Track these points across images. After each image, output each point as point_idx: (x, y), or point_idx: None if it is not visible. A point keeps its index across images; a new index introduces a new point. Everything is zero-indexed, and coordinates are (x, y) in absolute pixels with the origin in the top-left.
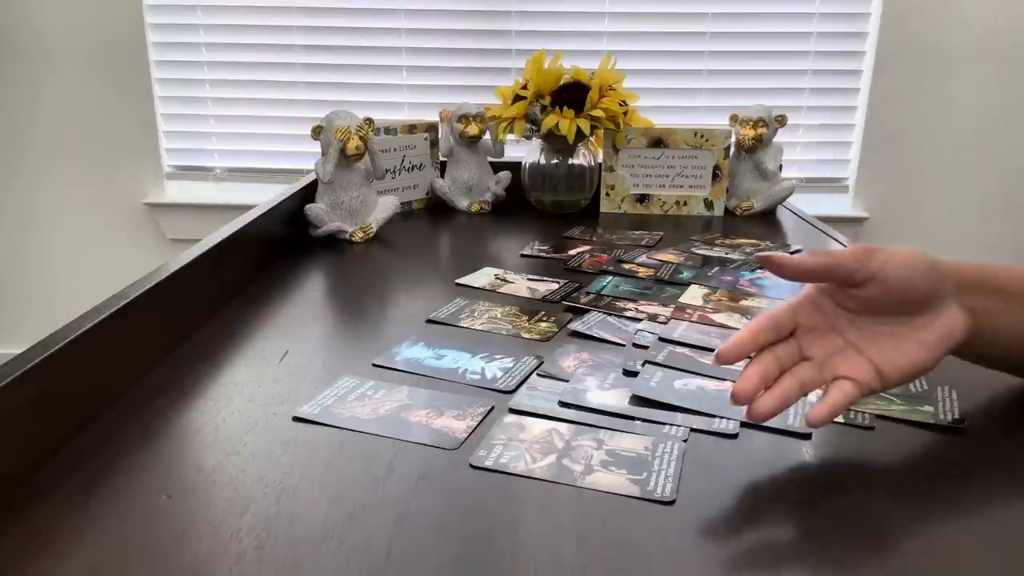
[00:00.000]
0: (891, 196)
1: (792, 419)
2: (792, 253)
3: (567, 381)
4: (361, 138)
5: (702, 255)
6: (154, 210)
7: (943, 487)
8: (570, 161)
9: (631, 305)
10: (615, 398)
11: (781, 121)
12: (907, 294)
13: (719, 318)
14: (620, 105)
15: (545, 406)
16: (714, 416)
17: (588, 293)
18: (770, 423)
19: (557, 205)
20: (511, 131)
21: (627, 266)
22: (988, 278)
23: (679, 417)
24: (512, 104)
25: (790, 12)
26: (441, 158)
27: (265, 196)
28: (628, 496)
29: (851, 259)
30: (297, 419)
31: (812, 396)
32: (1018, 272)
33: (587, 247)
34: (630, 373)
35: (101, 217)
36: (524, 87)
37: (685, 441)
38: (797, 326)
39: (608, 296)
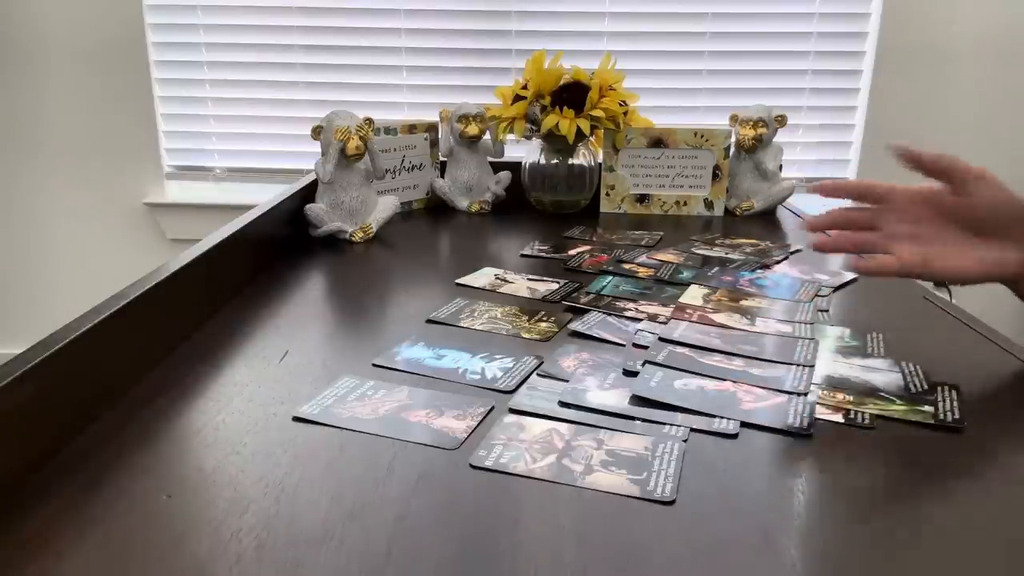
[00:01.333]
0: None
1: (792, 419)
2: (792, 253)
3: (567, 381)
4: (361, 138)
5: (702, 255)
6: (154, 210)
7: (943, 487)
8: (570, 161)
9: (631, 305)
10: (615, 398)
11: (781, 121)
12: (989, 216)
13: (719, 318)
14: (620, 105)
15: (545, 406)
16: (714, 416)
17: (588, 293)
18: (770, 423)
19: (557, 205)
20: (511, 131)
21: (627, 266)
22: None
23: (679, 417)
24: (512, 104)
25: (790, 12)
26: (441, 158)
27: (265, 196)
28: (628, 496)
29: (965, 168)
30: (297, 419)
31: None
32: None
33: (587, 247)
34: (630, 373)
35: (101, 217)
36: (524, 87)
37: (685, 441)
38: (889, 202)
39: (608, 296)
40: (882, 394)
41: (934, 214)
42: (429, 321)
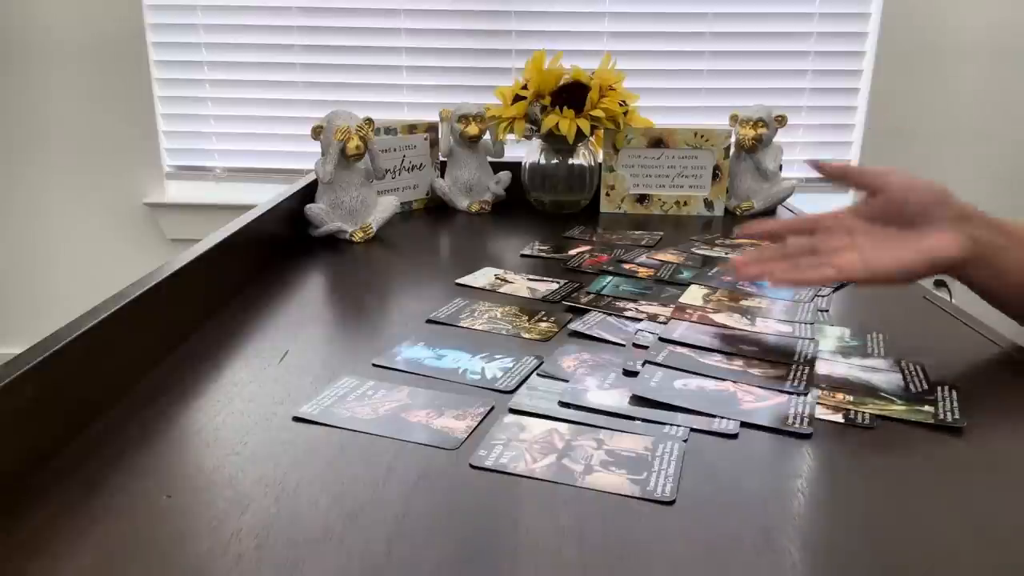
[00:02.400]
0: None
1: (792, 419)
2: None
3: (567, 381)
4: (361, 138)
5: (702, 255)
6: (154, 210)
7: (943, 487)
8: (570, 161)
9: (631, 305)
10: (615, 398)
11: (781, 121)
12: (909, 204)
13: (719, 318)
14: (620, 105)
15: (545, 406)
16: (714, 416)
17: (588, 293)
18: (770, 423)
19: (557, 205)
20: (511, 131)
21: (627, 266)
22: (997, 220)
23: (679, 417)
24: (512, 104)
25: (790, 12)
26: (441, 158)
27: (265, 196)
28: (628, 496)
29: (869, 169)
30: (297, 419)
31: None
32: None
33: (587, 247)
34: (630, 373)
35: (101, 217)
36: (524, 87)
37: (685, 441)
38: (818, 228)
39: (608, 296)
40: (882, 394)
41: (864, 224)
42: (429, 321)
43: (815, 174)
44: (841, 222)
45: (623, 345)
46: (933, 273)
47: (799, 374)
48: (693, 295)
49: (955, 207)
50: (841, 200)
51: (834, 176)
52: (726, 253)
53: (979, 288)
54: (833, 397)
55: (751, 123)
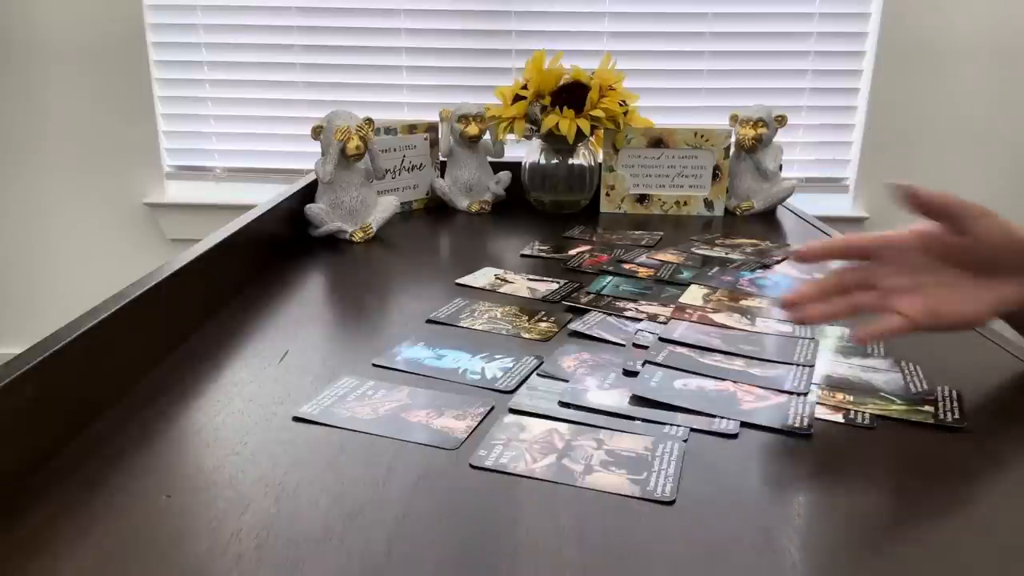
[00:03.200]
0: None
1: (792, 419)
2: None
3: (567, 381)
4: (361, 138)
5: (702, 255)
6: (154, 210)
7: (943, 487)
8: (570, 161)
9: (631, 305)
10: (615, 398)
11: (781, 121)
12: (991, 255)
13: (719, 318)
14: (620, 105)
15: (545, 406)
16: (714, 416)
17: (588, 293)
18: (770, 423)
19: (557, 205)
20: (511, 131)
21: (627, 266)
22: None
23: (679, 417)
24: (512, 104)
25: (790, 12)
26: (441, 158)
27: (265, 196)
28: (628, 496)
29: (966, 206)
30: (297, 419)
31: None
32: None
33: (587, 247)
34: (630, 373)
35: (101, 217)
36: (524, 87)
37: (685, 441)
38: (879, 256)
39: (608, 296)
40: (882, 394)
41: (930, 259)
42: (429, 321)
43: (815, 174)
44: (906, 254)
45: (623, 345)
46: (988, 320)
47: (799, 374)
48: (693, 295)
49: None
50: (841, 199)
51: (922, 207)
52: (726, 253)
53: (1018, 325)
54: (833, 397)
55: (751, 123)
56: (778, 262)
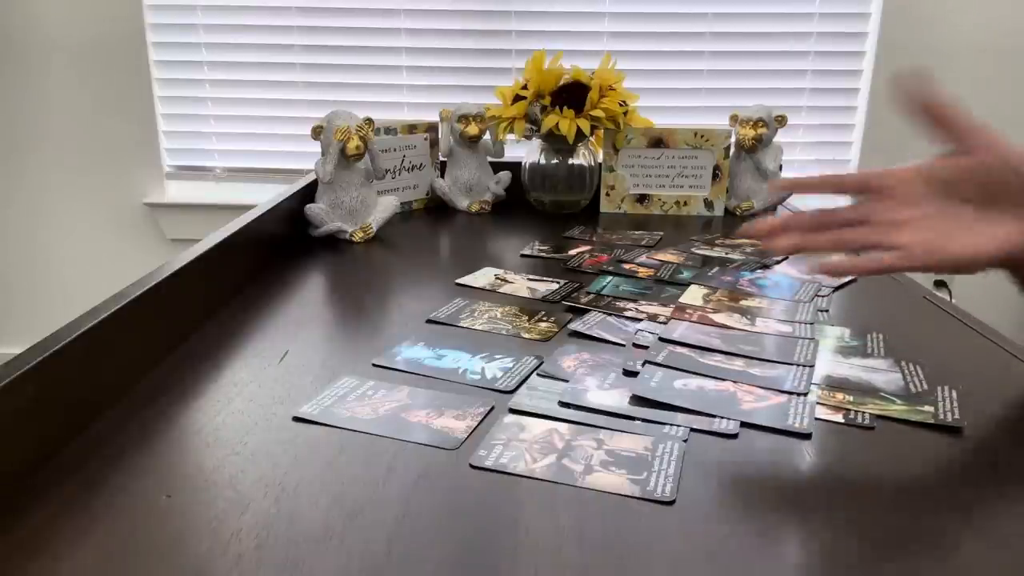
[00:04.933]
0: None
1: (792, 419)
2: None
3: (567, 381)
4: (361, 138)
5: (702, 255)
6: (154, 210)
7: (943, 487)
8: (570, 161)
9: (631, 305)
10: (615, 398)
11: (781, 121)
12: (999, 184)
13: (719, 318)
14: (620, 105)
15: (545, 406)
16: (714, 416)
17: (588, 293)
18: (770, 423)
19: (557, 205)
20: (511, 131)
21: (627, 266)
22: None
23: (679, 417)
24: (512, 104)
25: (790, 12)
26: (441, 158)
27: (265, 196)
28: (628, 496)
29: (970, 120)
30: (297, 419)
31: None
32: None
33: (587, 247)
34: (630, 373)
35: (101, 217)
36: (524, 87)
37: (685, 441)
38: (873, 189)
39: (608, 296)
40: (882, 394)
41: (933, 191)
42: (429, 321)
43: (815, 174)
44: (906, 185)
45: (623, 345)
46: (999, 261)
47: (799, 374)
48: (693, 295)
49: None
50: (841, 199)
51: (927, 110)
52: (726, 253)
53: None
54: (833, 397)
55: (751, 123)
56: (778, 262)
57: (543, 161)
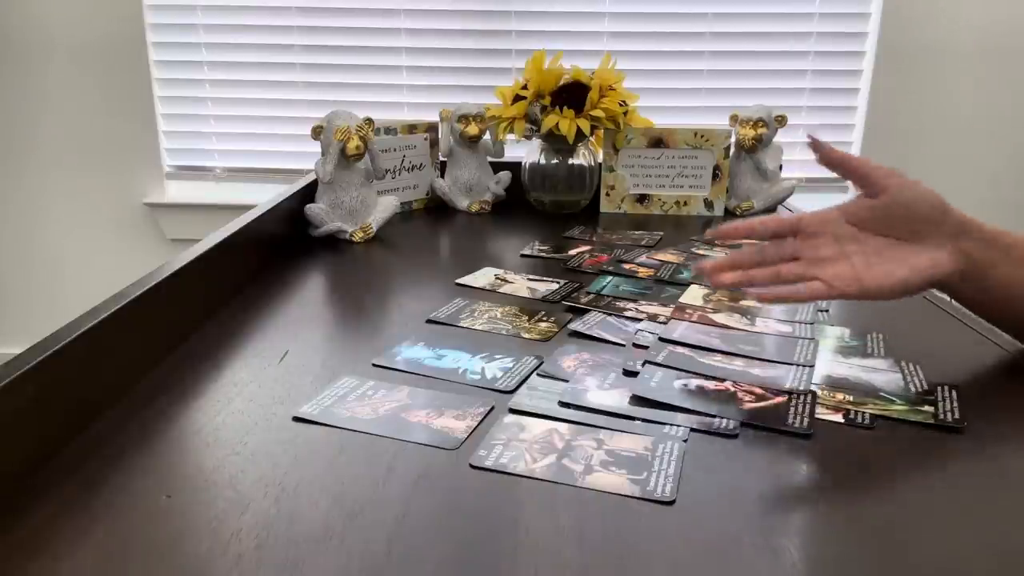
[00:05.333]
0: None
1: (792, 419)
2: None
3: (567, 381)
4: (361, 138)
5: (702, 255)
6: (154, 210)
7: (943, 487)
8: (570, 161)
9: (631, 305)
10: (615, 398)
11: (781, 121)
12: (908, 213)
13: (719, 318)
14: (620, 105)
15: (545, 406)
16: (714, 416)
17: (588, 293)
18: (770, 423)
19: (557, 205)
20: (511, 131)
21: (627, 266)
22: (992, 232)
23: (679, 417)
24: (512, 104)
25: (790, 12)
26: (441, 158)
27: (265, 196)
28: (628, 496)
29: (874, 166)
30: (297, 419)
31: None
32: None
33: (587, 247)
34: (630, 373)
35: (101, 217)
36: (524, 87)
37: (685, 441)
38: (800, 230)
39: (608, 296)
40: (882, 394)
41: (853, 231)
42: (429, 321)
43: (815, 174)
44: (828, 226)
45: (623, 345)
46: (926, 289)
47: (799, 374)
48: (693, 295)
49: (954, 220)
50: (841, 199)
51: (831, 163)
52: (726, 253)
53: (966, 303)
54: (833, 397)
55: (751, 123)
56: None
57: (543, 161)
